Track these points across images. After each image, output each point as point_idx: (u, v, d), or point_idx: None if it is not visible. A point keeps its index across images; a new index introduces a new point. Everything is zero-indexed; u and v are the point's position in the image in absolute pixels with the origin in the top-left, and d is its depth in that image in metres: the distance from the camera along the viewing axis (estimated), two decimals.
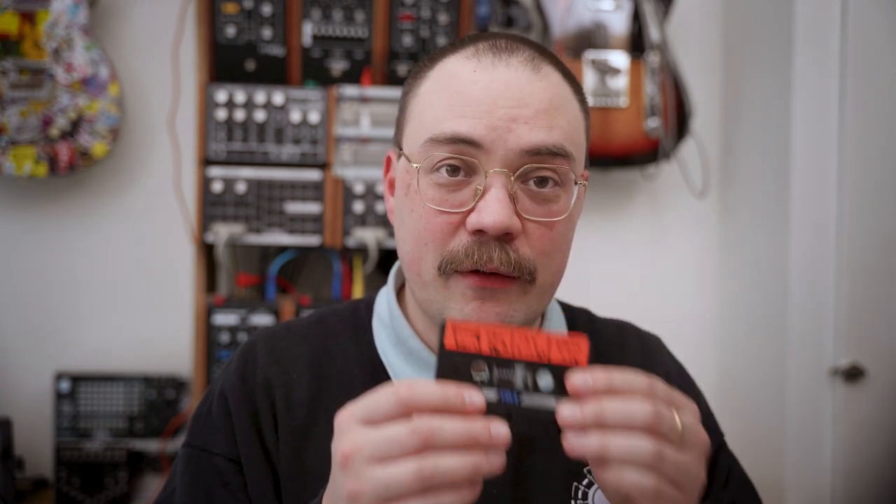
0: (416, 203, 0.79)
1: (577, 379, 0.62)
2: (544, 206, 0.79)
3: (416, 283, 0.82)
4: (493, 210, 0.75)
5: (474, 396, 0.60)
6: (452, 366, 0.62)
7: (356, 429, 0.61)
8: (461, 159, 0.77)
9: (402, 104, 0.86)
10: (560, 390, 0.63)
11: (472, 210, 0.77)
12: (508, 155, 0.76)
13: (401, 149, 0.84)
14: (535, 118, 0.77)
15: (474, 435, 0.59)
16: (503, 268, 0.77)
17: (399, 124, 0.86)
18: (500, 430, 0.59)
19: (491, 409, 0.61)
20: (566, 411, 0.61)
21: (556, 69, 0.82)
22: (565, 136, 0.79)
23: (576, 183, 0.81)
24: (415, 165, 0.79)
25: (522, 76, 0.78)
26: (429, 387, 0.60)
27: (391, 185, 0.89)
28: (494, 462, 0.59)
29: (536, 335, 0.63)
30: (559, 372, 0.63)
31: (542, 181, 0.78)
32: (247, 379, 0.87)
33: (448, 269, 0.78)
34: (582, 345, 0.63)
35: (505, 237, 0.77)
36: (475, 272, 0.77)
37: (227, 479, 0.83)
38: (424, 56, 0.88)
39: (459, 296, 0.78)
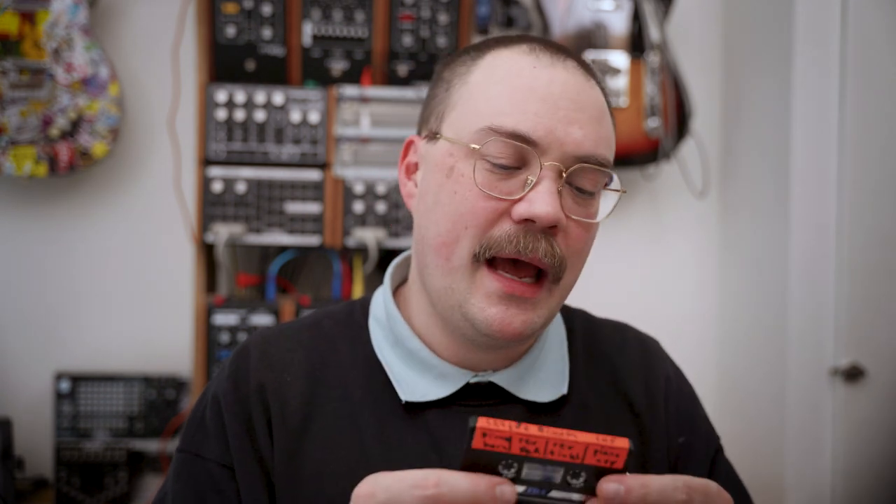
0: (461, 185, 0.79)
1: (610, 487, 0.58)
2: (583, 207, 0.81)
3: (441, 269, 0.81)
4: (546, 201, 0.76)
5: (506, 489, 0.57)
6: (476, 461, 0.58)
7: None
8: (517, 153, 0.78)
9: (439, 91, 0.86)
10: (590, 487, 0.59)
11: (520, 200, 0.77)
12: (562, 156, 0.78)
13: (436, 133, 0.83)
14: (589, 125, 0.79)
15: None
16: (546, 259, 0.77)
17: (433, 111, 0.85)
18: None
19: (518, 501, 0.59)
20: None
21: (597, 83, 0.84)
22: (608, 146, 0.82)
23: (607, 189, 0.83)
24: (473, 146, 0.78)
25: (579, 81, 0.81)
26: (458, 480, 0.57)
27: (408, 170, 0.89)
28: None
29: (573, 440, 0.58)
30: (593, 472, 0.59)
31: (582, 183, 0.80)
32: (240, 384, 0.86)
33: (485, 256, 0.78)
34: (621, 452, 0.58)
35: (550, 230, 0.78)
36: (503, 276, 0.78)
37: (220, 486, 0.83)
38: (464, 49, 0.88)
39: (484, 295, 0.78)
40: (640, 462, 0.89)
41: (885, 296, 1.96)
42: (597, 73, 0.85)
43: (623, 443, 0.58)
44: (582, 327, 0.96)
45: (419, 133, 0.88)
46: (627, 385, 0.92)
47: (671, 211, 2.31)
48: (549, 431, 0.58)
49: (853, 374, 1.93)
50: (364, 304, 0.94)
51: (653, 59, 2.08)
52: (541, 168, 0.77)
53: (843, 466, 1.94)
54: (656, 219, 2.31)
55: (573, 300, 1.00)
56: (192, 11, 2.04)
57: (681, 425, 0.93)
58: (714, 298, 2.32)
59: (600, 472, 0.59)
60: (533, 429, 0.58)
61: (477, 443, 0.57)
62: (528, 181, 0.77)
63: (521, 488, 0.59)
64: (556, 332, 0.92)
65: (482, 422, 0.57)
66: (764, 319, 2.08)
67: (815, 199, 1.96)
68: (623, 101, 2.08)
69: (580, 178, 0.79)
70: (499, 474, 0.58)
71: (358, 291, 1.94)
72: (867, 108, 1.95)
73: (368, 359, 0.88)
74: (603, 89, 0.85)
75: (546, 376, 0.88)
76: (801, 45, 1.96)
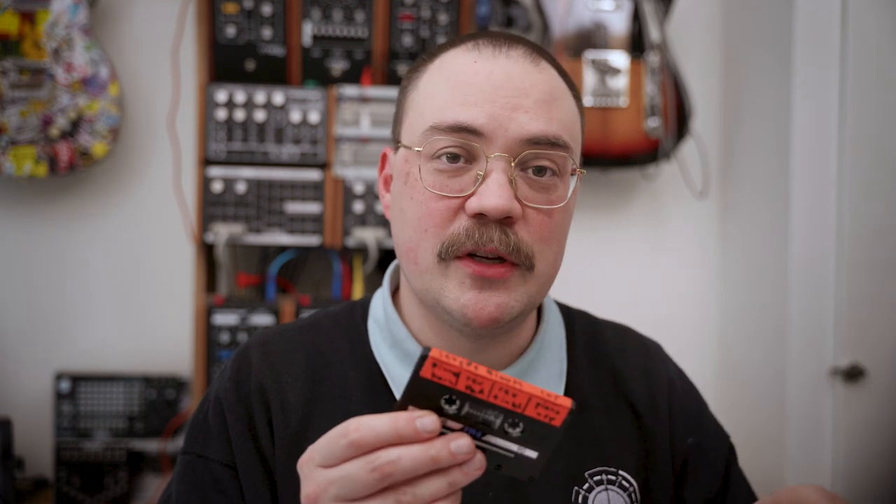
0: (416, 190, 0.80)
1: None
2: (543, 193, 0.80)
3: (414, 273, 0.81)
4: (494, 193, 0.76)
5: (426, 421, 0.57)
6: (421, 391, 0.59)
7: (316, 471, 0.60)
8: (462, 146, 0.78)
9: (400, 99, 0.87)
10: (526, 439, 0.60)
11: (472, 195, 0.78)
12: (509, 143, 0.77)
13: (398, 142, 0.84)
14: (536, 108, 0.78)
15: (434, 457, 0.57)
16: (502, 248, 0.77)
17: (397, 119, 0.87)
18: (461, 444, 0.57)
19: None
20: None
21: (552, 66, 0.83)
22: (563, 127, 0.80)
23: (573, 174, 0.82)
24: (416, 149, 0.79)
25: (523, 67, 0.80)
26: (378, 421, 0.58)
27: (386, 182, 0.90)
28: (471, 471, 0.58)
29: (518, 388, 0.59)
30: (531, 424, 0.59)
31: (540, 170, 0.79)
32: (241, 385, 0.86)
33: (448, 254, 0.78)
34: (562, 409, 0.59)
35: (505, 221, 0.77)
36: (474, 260, 0.78)
37: (224, 485, 0.83)
38: (422, 54, 0.89)
39: (458, 283, 0.78)
40: (643, 464, 0.89)
41: (885, 296, 1.96)
42: (553, 59, 0.84)
43: (565, 402, 0.59)
44: (583, 329, 0.96)
45: (392, 142, 0.89)
46: (629, 387, 0.92)
47: (671, 211, 2.31)
48: (498, 376, 0.58)
49: (853, 374, 1.93)
50: (364, 305, 0.94)
51: (653, 59, 2.08)
52: (487, 160, 0.77)
53: (843, 466, 1.94)
54: (656, 219, 2.31)
55: (573, 300, 1.00)
56: (192, 11, 2.03)
57: (688, 427, 0.93)
58: (714, 298, 2.32)
59: (538, 426, 0.59)
60: (482, 370, 0.58)
61: (426, 371, 0.58)
62: (478, 175, 0.77)
63: (457, 426, 0.59)
64: (555, 334, 0.92)
65: (434, 352, 0.58)
66: (764, 319, 2.08)
67: (815, 199, 1.96)
68: (623, 101, 2.08)
69: (534, 164, 0.79)
70: (440, 409, 0.59)
71: (358, 291, 1.94)
72: (867, 108, 1.95)
73: (367, 359, 0.88)
74: (562, 74, 0.84)
75: (543, 377, 0.88)
76: (801, 45, 1.96)
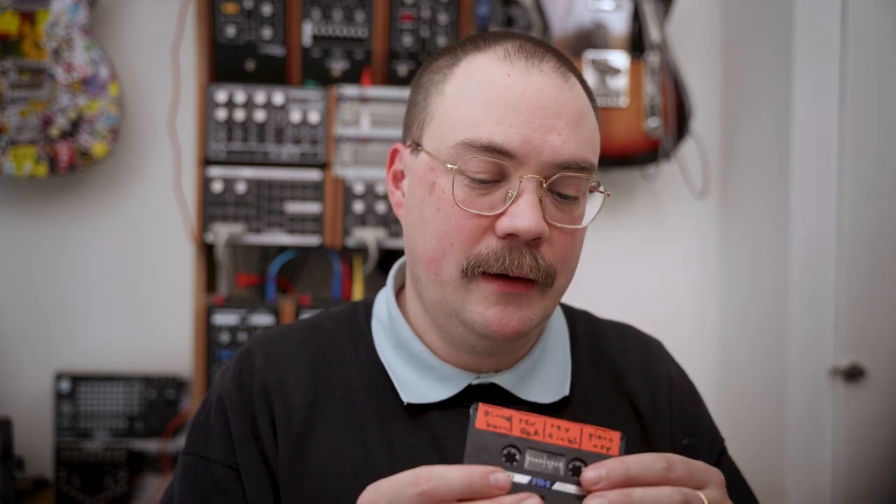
0: (444, 202, 0.79)
1: (591, 473, 0.60)
2: (567, 213, 0.80)
3: (433, 282, 0.81)
4: (527, 215, 0.76)
5: (500, 477, 0.58)
6: (482, 445, 0.60)
7: None
8: (495, 166, 0.77)
9: (419, 98, 0.85)
10: None
11: (502, 214, 0.77)
12: (541, 165, 0.77)
13: (418, 144, 0.83)
14: (567, 130, 0.78)
15: None
16: (531, 273, 0.77)
17: (414, 119, 0.85)
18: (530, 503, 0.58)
19: (520, 491, 0.60)
20: (594, 502, 0.59)
21: (578, 78, 0.83)
22: (590, 147, 0.81)
23: (594, 191, 0.83)
24: (450, 166, 0.78)
25: (555, 84, 0.79)
26: (451, 473, 0.58)
27: (395, 178, 0.89)
28: None
29: (569, 424, 0.61)
30: (591, 459, 0.61)
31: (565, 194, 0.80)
32: (244, 386, 0.86)
33: (474, 272, 0.78)
34: (614, 437, 0.61)
35: (533, 242, 0.77)
36: (500, 277, 0.78)
37: (226, 487, 0.83)
38: (440, 51, 0.87)
39: (481, 299, 0.79)
40: None
41: (885, 296, 1.96)
42: (575, 69, 0.84)
43: (615, 432, 0.62)
44: (585, 329, 0.96)
45: (404, 140, 0.88)
46: (630, 386, 0.93)
47: (671, 211, 2.31)
48: (546, 417, 0.61)
49: (853, 374, 1.93)
50: (367, 305, 0.94)
51: (653, 59, 2.08)
52: (520, 181, 0.77)
53: (843, 466, 1.94)
54: (656, 219, 2.31)
55: (574, 300, 1.00)
56: (192, 11, 2.03)
57: (685, 427, 0.93)
58: (714, 299, 2.32)
59: (597, 459, 0.61)
60: (531, 414, 0.61)
61: (480, 422, 0.59)
62: (509, 195, 0.77)
63: (525, 479, 0.60)
64: (559, 334, 0.92)
65: (482, 405, 0.60)
66: (764, 319, 2.08)
67: (815, 199, 1.96)
68: (623, 101, 2.08)
69: (562, 185, 0.79)
70: (502, 465, 0.60)
71: (358, 291, 1.94)
72: (867, 108, 1.95)
73: (370, 360, 0.88)
74: (584, 83, 0.84)
75: (548, 377, 0.88)
76: (801, 46, 1.96)
